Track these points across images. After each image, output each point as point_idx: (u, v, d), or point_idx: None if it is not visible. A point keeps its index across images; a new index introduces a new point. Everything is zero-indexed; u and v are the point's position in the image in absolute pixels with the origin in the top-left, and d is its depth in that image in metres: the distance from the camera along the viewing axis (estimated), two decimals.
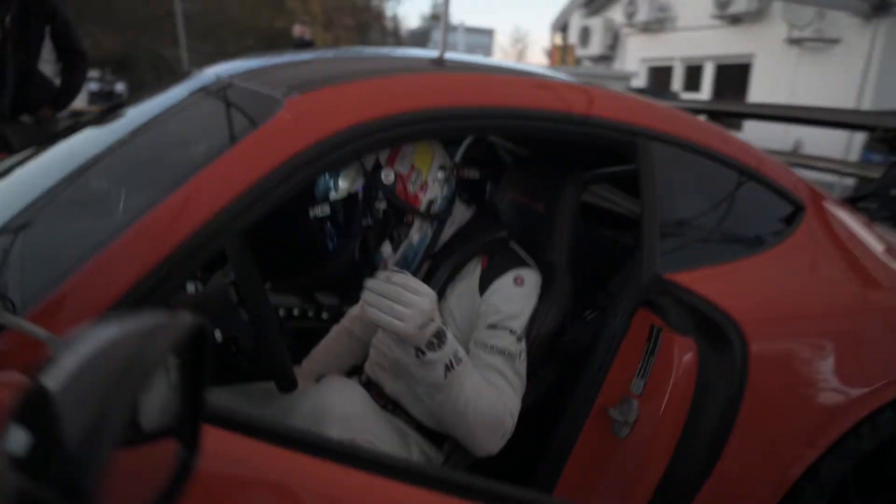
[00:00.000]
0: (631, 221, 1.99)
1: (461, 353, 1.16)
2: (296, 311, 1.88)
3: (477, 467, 1.31)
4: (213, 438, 0.73)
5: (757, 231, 1.45)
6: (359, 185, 1.18)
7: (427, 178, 1.25)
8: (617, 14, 11.06)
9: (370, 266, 1.27)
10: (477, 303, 1.28)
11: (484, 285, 1.28)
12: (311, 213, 1.18)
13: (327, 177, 1.17)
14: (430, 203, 1.27)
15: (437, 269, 1.33)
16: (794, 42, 8.09)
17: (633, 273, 1.30)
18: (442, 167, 1.29)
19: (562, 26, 12.95)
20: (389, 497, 0.84)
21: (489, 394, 1.19)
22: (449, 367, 1.13)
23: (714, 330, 1.25)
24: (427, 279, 1.31)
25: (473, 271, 1.31)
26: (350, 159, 1.08)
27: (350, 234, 1.20)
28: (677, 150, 1.37)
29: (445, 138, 1.23)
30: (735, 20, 8.87)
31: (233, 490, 0.76)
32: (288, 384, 1.18)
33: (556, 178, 1.46)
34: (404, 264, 1.28)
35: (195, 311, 1.25)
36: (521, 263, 1.31)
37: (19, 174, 1.31)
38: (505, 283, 1.27)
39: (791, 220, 1.49)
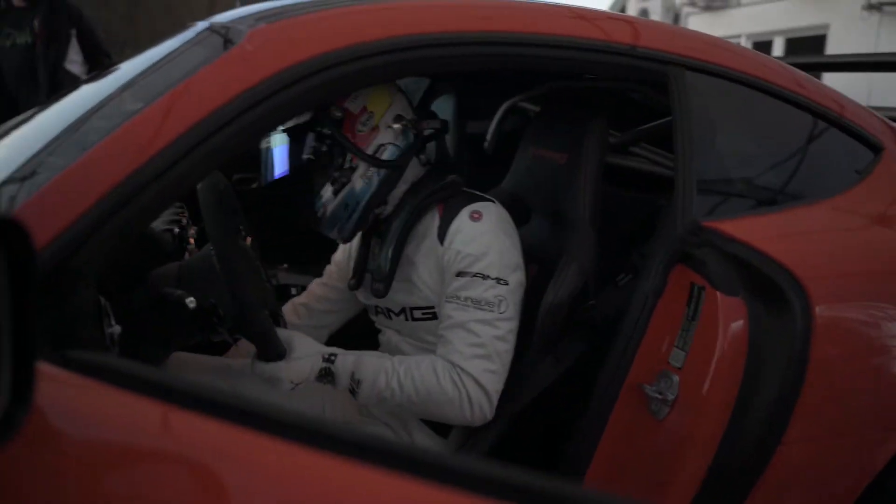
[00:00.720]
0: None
1: (361, 371, 1.12)
2: (294, 291, 1.77)
3: (500, 451, 1.16)
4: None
5: (820, 175, 1.22)
6: (305, 117, 1.15)
7: (379, 123, 1.17)
8: None
9: (311, 212, 1.21)
10: (440, 253, 1.16)
11: (442, 233, 1.16)
12: (262, 143, 1.18)
13: None
14: (379, 148, 1.17)
15: (389, 228, 1.21)
16: (874, 7, 7.45)
17: (667, 223, 1.10)
18: (399, 117, 1.19)
19: (620, 9, 12.52)
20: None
21: (424, 381, 1.11)
22: (353, 391, 1.12)
23: (768, 288, 1.04)
24: (380, 242, 1.24)
25: (431, 225, 1.19)
26: (319, 92, 0.94)
27: (289, 166, 1.19)
28: (717, 81, 1.17)
29: (438, 70, 1.07)
30: None
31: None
32: (270, 353, 1.08)
33: (577, 126, 1.28)
34: (343, 213, 1.19)
35: (176, 279, 1.18)
36: (476, 199, 1.19)
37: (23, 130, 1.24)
38: (461, 223, 1.15)
39: (865, 162, 1.24)
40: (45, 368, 0.53)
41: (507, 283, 1.12)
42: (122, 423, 0.55)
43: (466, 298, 1.11)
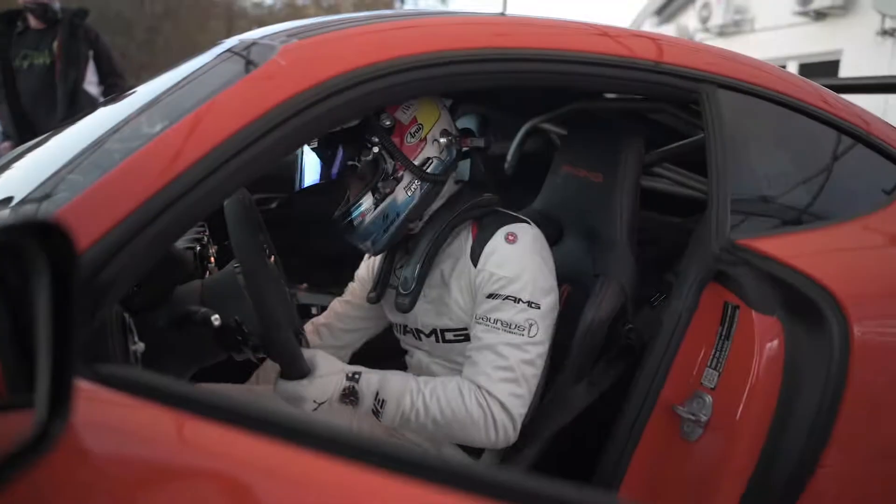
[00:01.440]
0: (703, 204, 1.76)
1: (386, 390, 1.10)
2: (314, 311, 1.76)
3: (536, 466, 1.13)
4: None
5: (853, 193, 1.20)
6: (354, 122, 1.13)
7: (427, 136, 1.17)
8: (691, 19, 10.62)
9: (348, 220, 1.18)
10: (474, 275, 1.14)
11: (476, 255, 1.14)
12: (308, 145, 1.16)
13: None
14: (426, 161, 1.17)
15: (418, 245, 1.20)
16: (888, 33, 7.44)
17: (700, 242, 1.08)
18: (445, 132, 1.19)
19: None
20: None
21: (450, 402, 1.09)
22: (377, 412, 1.10)
23: (805, 307, 1.01)
24: (407, 257, 1.22)
25: (465, 245, 1.18)
26: (352, 108, 0.94)
27: (332, 172, 1.17)
28: (748, 99, 1.16)
29: (474, 86, 1.07)
30: (820, 15, 8.30)
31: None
32: (294, 372, 1.06)
33: (614, 144, 1.27)
34: (381, 224, 1.17)
35: (199, 297, 1.17)
36: (512, 220, 1.17)
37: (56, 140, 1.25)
38: (495, 244, 1.13)
39: (894, 180, 1.22)
40: (78, 383, 0.52)
41: (538, 307, 1.10)
42: (155, 437, 0.53)
43: (496, 321, 1.09)
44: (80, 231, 0.76)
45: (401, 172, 1.15)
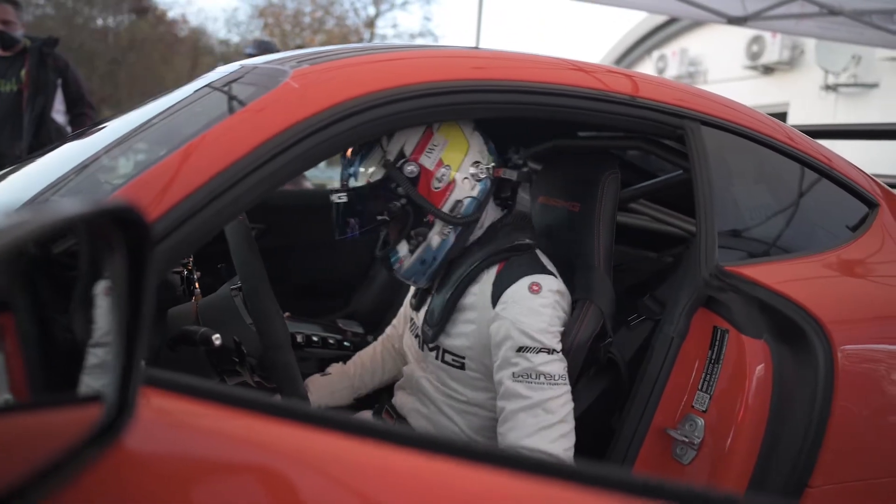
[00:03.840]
0: (676, 239, 1.83)
1: None
2: (315, 338, 1.74)
3: None
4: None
5: (826, 227, 1.28)
6: (378, 175, 1.12)
7: (456, 176, 1.14)
8: (648, 69, 11.12)
9: (387, 264, 1.19)
10: (490, 315, 1.12)
11: (496, 294, 1.12)
12: (331, 198, 1.14)
13: (352, 164, 1.14)
14: (456, 204, 1.15)
15: (451, 275, 1.19)
16: (831, 88, 7.94)
17: (689, 268, 1.13)
18: (476, 163, 1.16)
19: None
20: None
21: None
22: None
23: (791, 331, 1.06)
24: (439, 286, 1.22)
25: (487, 278, 1.16)
26: (363, 132, 0.96)
27: (362, 226, 1.16)
28: (733, 138, 1.23)
29: (469, 116, 1.11)
30: (768, 70, 8.81)
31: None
32: (292, 395, 1.05)
33: (591, 176, 1.32)
34: (420, 268, 1.18)
35: (195, 318, 1.16)
36: (538, 270, 1.14)
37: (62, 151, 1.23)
38: (519, 292, 1.10)
39: (862, 217, 1.31)
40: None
41: (560, 352, 1.10)
42: (210, 433, 0.52)
43: (539, 375, 1.06)
44: None
45: (432, 220, 1.14)
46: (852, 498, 1.07)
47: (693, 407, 1.10)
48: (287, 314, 2.02)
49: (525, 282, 1.10)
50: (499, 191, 1.25)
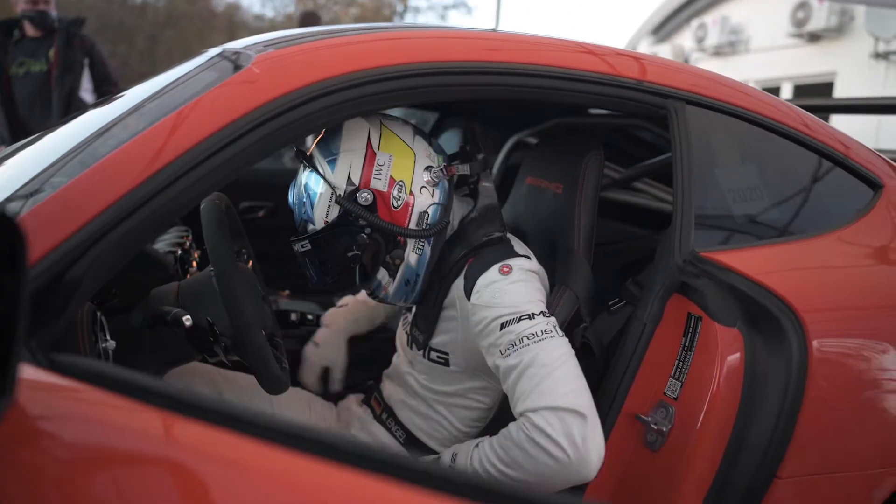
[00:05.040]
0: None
1: (457, 460, 1.05)
2: (310, 317, 1.77)
3: None
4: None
5: (819, 209, 1.23)
6: (334, 213, 1.08)
7: (412, 189, 1.09)
8: (686, 39, 10.75)
9: (373, 296, 1.19)
10: (468, 308, 1.09)
11: (468, 286, 1.09)
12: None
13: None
14: (421, 217, 1.11)
15: (433, 285, 1.17)
16: (881, 56, 7.54)
17: (665, 253, 1.11)
18: (428, 168, 1.12)
19: None
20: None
21: (502, 444, 0.99)
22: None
23: (765, 320, 1.03)
24: (422, 299, 1.19)
25: (459, 274, 1.13)
26: (320, 118, 0.96)
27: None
28: (718, 116, 1.18)
29: (435, 98, 1.09)
30: (814, 38, 8.40)
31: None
32: (269, 384, 1.07)
33: (575, 157, 1.30)
34: (406, 289, 1.16)
35: (175, 298, 1.19)
36: (510, 255, 1.11)
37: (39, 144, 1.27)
38: (489, 276, 1.07)
39: (863, 199, 1.25)
40: (32, 372, 0.54)
41: (550, 315, 1.05)
42: (106, 425, 0.54)
43: (523, 339, 0.99)
44: (48, 228, 0.79)
45: (403, 240, 1.11)
46: (821, 490, 1.05)
47: (665, 394, 1.08)
48: (286, 292, 2.07)
49: (495, 267, 1.08)
50: (459, 186, 1.22)
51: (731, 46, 9.85)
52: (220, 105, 0.91)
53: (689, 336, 1.07)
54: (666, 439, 1.06)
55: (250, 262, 1.35)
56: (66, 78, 3.50)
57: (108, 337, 1.02)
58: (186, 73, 1.11)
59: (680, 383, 1.07)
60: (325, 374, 1.50)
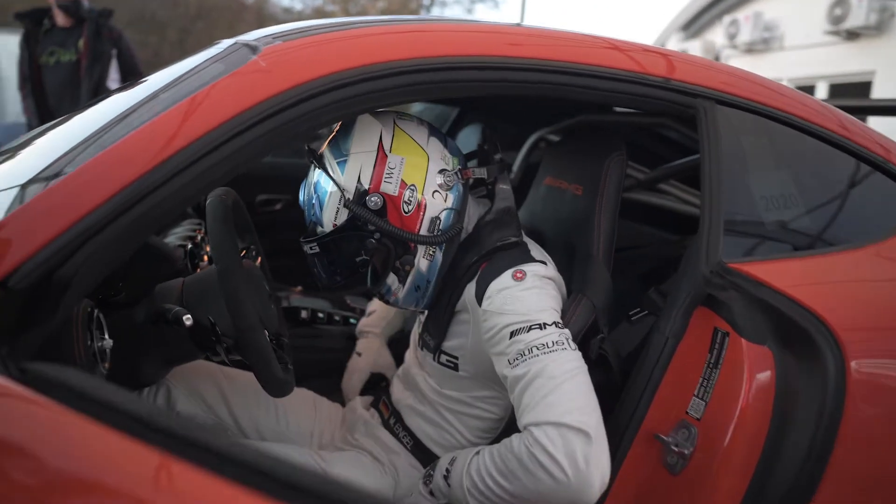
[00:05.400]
0: None
1: (455, 465, 1.02)
2: (321, 315, 1.74)
3: None
4: None
5: (858, 221, 1.15)
6: (343, 216, 1.05)
7: (424, 193, 1.05)
8: (718, 35, 10.50)
9: (383, 299, 1.16)
10: (479, 315, 1.04)
11: (480, 291, 1.04)
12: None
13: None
14: (433, 222, 1.06)
15: (445, 289, 1.12)
16: None
17: (690, 263, 1.04)
18: (441, 171, 1.07)
19: None
20: None
21: (501, 453, 0.94)
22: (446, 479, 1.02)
23: (799, 338, 0.96)
24: (434, 302, 1.15)
25: (472, 279, 1.08)
26: (331, 111, 0.91)
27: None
28: (751, 117, 1.11)
29: (453, 94, 1.04)
30: (852, 35, 8.13)
31: None
32: (271, 386, 1.04)
33: (596, 158, 1.23)
34: (416, 294, 1.12)
35: (179, 295, 1.16)
36: (525, 260, 1.05)
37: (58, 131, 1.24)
38: (502, 282, 1.02)
39: None
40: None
41: (565, 326, 0.99)
42: (51, 441, 0.49)
43: (532, 349, 0.94)
44: (39, 225, 0.76)
45: (413, 245, 1.07)
46: None
47: (688, 413, 1.02)
48: (299, 288, 2.04)
49: (509, 272, 1.03)
50: (476, 187, 1.17)
51: (764, 43, 9.59)
52: (224, 98, 0.87)
53: (714, 352, 1.00)
54: (687, 462, 0.99)
55: (258, 259, 1.31)
56: (95, 68, 3.53)
57: (105, 335, 0.99)
58: (196, 65, 1.07)
59: (704, 403, 1.00)
60: (372, 379, 1.50)
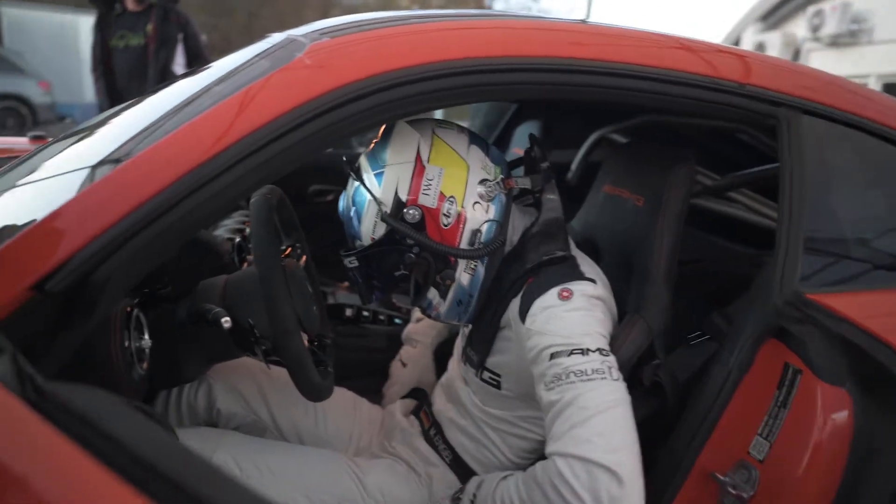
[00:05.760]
0: None
1: (482, 487, 0.98)
2: (366, 313, 1.71)
3: None
4: None
5: None
6: (381, 230, 1.01)
7: (464, 205, 1.00)
8: (799, 28, 9.94)
9: (424, 313, 1.12)
10: (522, 333, 0.98)
11: (524, 309, 0.98)
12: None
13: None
14: (474, 235, 1.01)
15: (489, 303, 1.07)
16: None
17: (762, 290, 0.94)
18: (483, 181, 1.02)
19: (734, 41, 11.93)
20: None
21: (525, 484, 0.91)
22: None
23: (883, 381, 0.86)
24: (479, 317, 1.10)
25: (517, 294, 1.02)
26: (377, 112, 0.86)
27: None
28: (839, 128, 1.00)
29: (509, 98, 0.97)
30: None
31: None
32: (308, 392, 1.01)
33: (662, 167, 1.14)
34: (458, 308, 1.07)
35: (222, 294, 1.14)
36: (574, 277, 0.99)
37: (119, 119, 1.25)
38: (547, 300, 0.96)
39: None
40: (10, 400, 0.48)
41: (610, 354, 0.92)
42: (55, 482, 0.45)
43: (570, 374, 0.88)
44: (75, 227, 0.74)
45: (454, 259, 1.02)
46: None
47: (749, 454, 0.93)
48: (345, 284, 2.02)
49: (555, 290, 0.97)
50: (523, 195, 1.11)
51: (851, 36, 9.01)
52: (266, 99, 0.83)
53: (783, 390, 0.91)
54: None
55: (303, 258, 1.29)
56: (161, 52, 3.62)
57: (145, 335, 0.99)
58: (245, 61, 1.04)
59: (768, 444, 0.91)
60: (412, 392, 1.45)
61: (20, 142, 1.91)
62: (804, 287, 0.90)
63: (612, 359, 0.91)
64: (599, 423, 0.84)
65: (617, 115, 1.87)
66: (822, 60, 9.67)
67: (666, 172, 1.12)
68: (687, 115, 1.23)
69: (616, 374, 0.90)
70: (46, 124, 8.32)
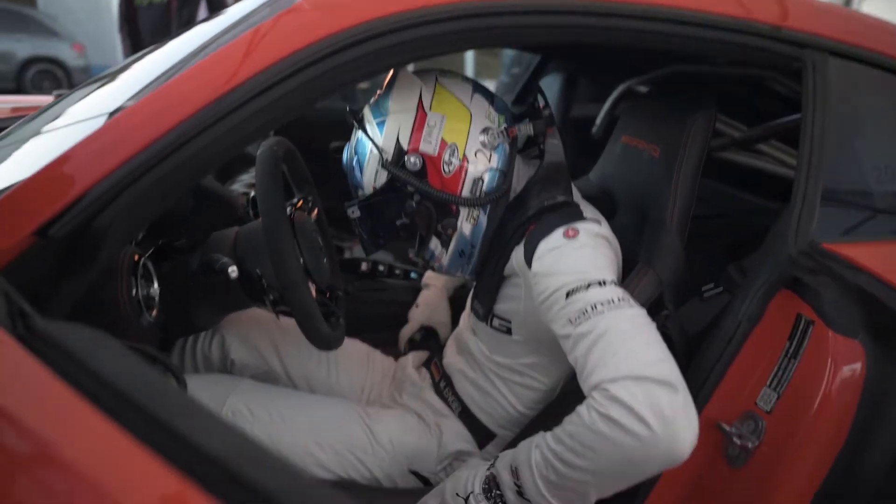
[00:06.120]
0: None
1: (517, 458, 0.87)
2: (381, 267, 1.72)
3: None
4: None
5: None
6: (382, 178, 1.01)
7: (465, 152, 0.99)
8: None
9: (427, 264, 1.12)
10: (530, 277, 0.96)
11: (530, 252, 0.95)
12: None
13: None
14: (476, 183, 1.00)
15: (492, 254, 1.06)
16: None
17: (777, 239, 0.91)
18: (485, 129, 1.00)
19: None
20: None
21: (571, 430, 0.81)
22: (520, 490, 0.85)
23: None
24: (482, 268, 1.09)
25: (519, 241, 1.00)
26: (376, 58, 0.84)
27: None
28: (869, 71, 0.95)
29: (530, 41, 0.94)
30: None
31: None
32: (316, 341, 1.03)
33: (679, 117, 1.10)
34: (461, 260, 1.07)
35: (232, 245, 1.16)
36: (575, 218, 0.96)
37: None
38: (552, 240, 0.93)
39: None
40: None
41: (618, 286, 0.88)
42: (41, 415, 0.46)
43: (596, 305, 0.83)
44: (77, 174, 0.75)
45: (455, 208, 1.01)
46: None
47: (756, 405, 0.92)
48: None
49: (559, 230, 0.94)
50: (529, 147, 1.08)
51: None
52: (266, 45, 0.82)
53: (794, 341, 0.89)
54: (751, 456, 0.90)
55: (315, 211, 1.29)
56: (184, 10, 3.62)
57: (154, 283, 1.01)
58: (246, 13, 1.03)
59: (776, 395, 0.90)
60: (425, 332, 1.48)
61: (46, 100, 1.94)
62: (822, 236, 0.87)
63: (626, 292, 0.87)
64: (639, 342, 0.80)
65: (644, 65, 1.80)
66: (877, 7, 9.13)
67: (683, 122, 1.08)
68: (707, 60, 1.18)
69: (634, 301, 0.86)
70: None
